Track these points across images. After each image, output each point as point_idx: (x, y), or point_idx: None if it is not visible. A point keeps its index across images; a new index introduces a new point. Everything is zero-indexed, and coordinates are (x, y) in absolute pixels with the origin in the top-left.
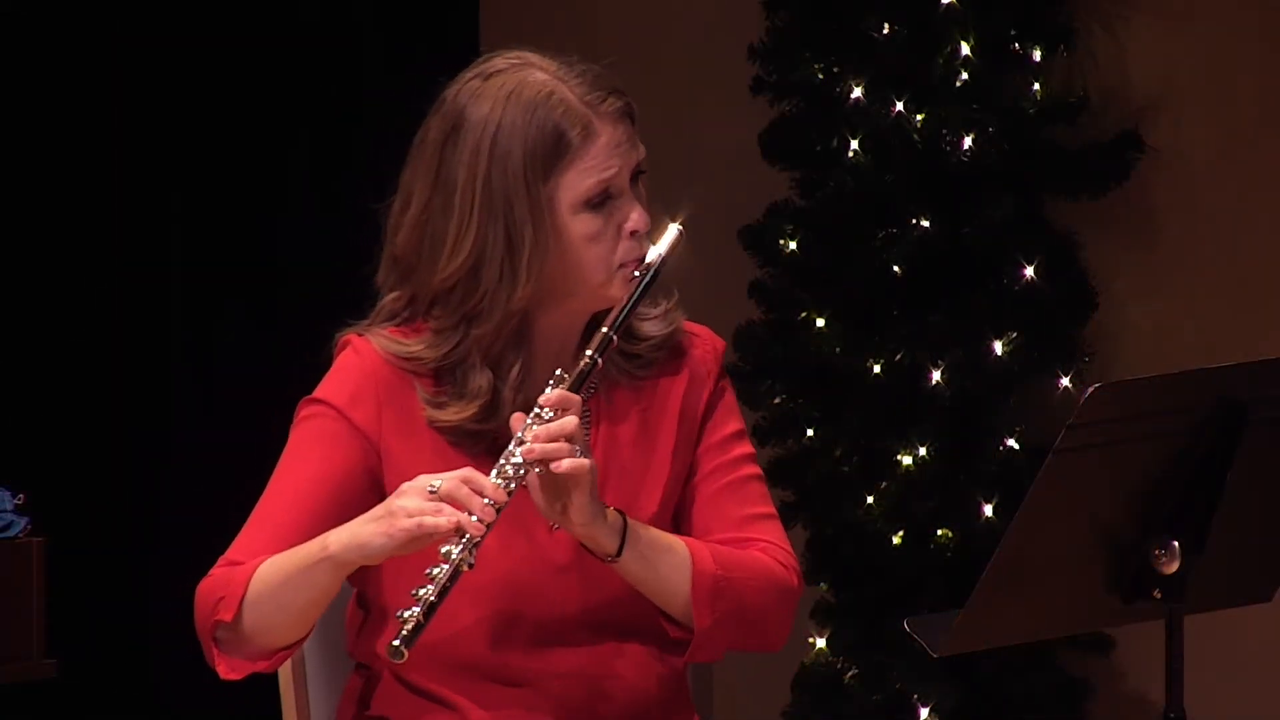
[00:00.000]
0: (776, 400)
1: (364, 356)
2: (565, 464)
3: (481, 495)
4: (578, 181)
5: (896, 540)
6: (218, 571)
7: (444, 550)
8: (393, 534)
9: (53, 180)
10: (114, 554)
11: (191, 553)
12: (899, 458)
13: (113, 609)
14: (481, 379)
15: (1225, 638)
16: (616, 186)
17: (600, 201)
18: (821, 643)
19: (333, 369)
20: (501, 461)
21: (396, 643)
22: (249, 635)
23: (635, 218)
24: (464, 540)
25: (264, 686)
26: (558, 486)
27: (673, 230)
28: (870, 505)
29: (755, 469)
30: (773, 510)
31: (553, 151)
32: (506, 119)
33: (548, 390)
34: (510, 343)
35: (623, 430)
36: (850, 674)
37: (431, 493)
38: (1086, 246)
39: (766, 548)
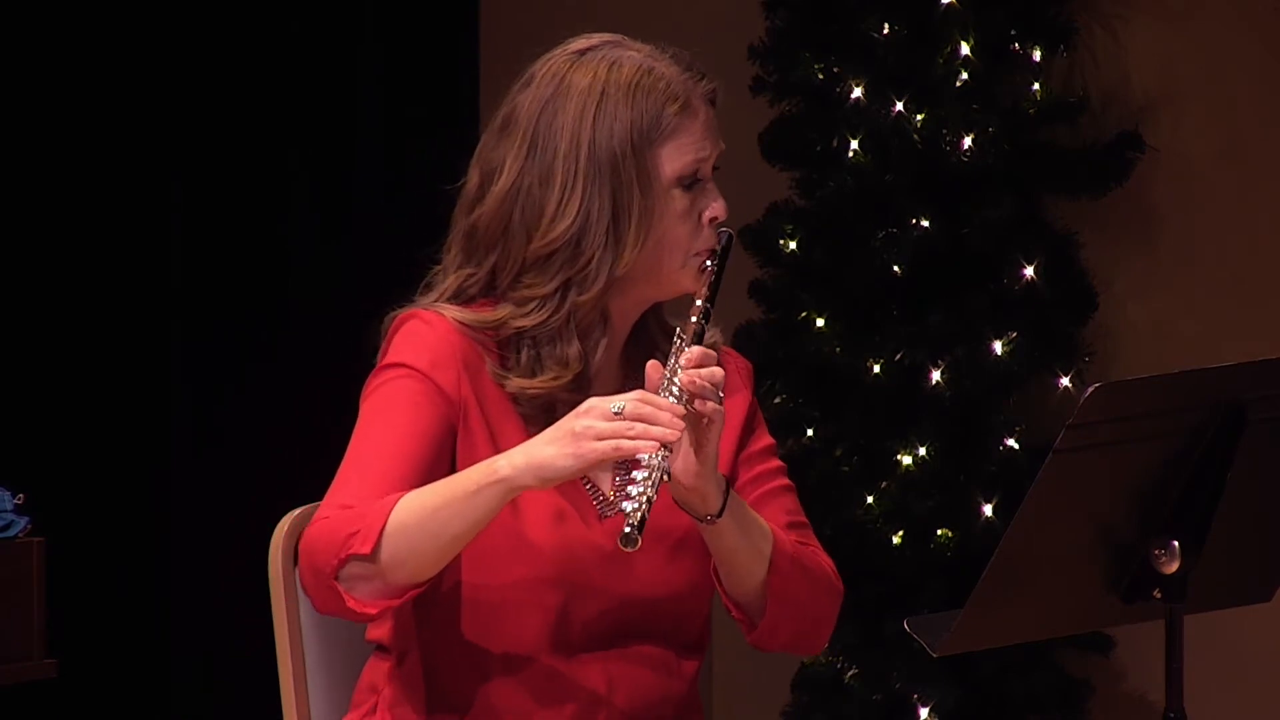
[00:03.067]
0: (777, 400)
1: (435, 326)
2: (711, 404)
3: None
4: (676, 157)
5: (896, 540)
6: (334, 514)
7: (641, 457)
8: (584, 455)
9: (52, 181)
10: (114, 554)
11: (192, 552)
12: (899, 458)
13: (113, 609)
14: (572, 349)
15: (1225, 638)
16: (704, 170)
17: (690, 183)
18: None
19: (401, 338)
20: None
21: (628, 530)
22: (385, 568)
23: (718, 206)
24: (662, 450)
25: (263, 681)
26: (692, 429)
27: (726, 232)
28: (870, 505)
29: (789, 481)
30: (807, 521)
31: (654, 124)
32: (610, 89)
33: (677, 343)
34: (598, 318)
35: None
36: (850, 674)
37: (616, 414)
38: (1086, 246)
39: (815, 551)
